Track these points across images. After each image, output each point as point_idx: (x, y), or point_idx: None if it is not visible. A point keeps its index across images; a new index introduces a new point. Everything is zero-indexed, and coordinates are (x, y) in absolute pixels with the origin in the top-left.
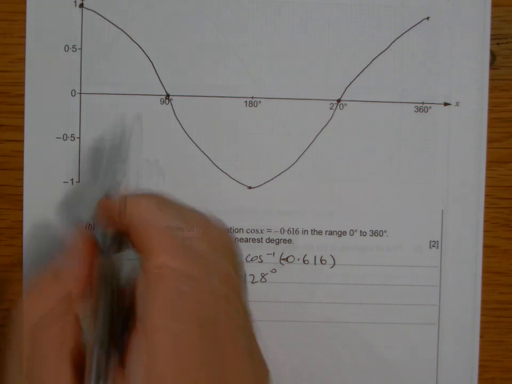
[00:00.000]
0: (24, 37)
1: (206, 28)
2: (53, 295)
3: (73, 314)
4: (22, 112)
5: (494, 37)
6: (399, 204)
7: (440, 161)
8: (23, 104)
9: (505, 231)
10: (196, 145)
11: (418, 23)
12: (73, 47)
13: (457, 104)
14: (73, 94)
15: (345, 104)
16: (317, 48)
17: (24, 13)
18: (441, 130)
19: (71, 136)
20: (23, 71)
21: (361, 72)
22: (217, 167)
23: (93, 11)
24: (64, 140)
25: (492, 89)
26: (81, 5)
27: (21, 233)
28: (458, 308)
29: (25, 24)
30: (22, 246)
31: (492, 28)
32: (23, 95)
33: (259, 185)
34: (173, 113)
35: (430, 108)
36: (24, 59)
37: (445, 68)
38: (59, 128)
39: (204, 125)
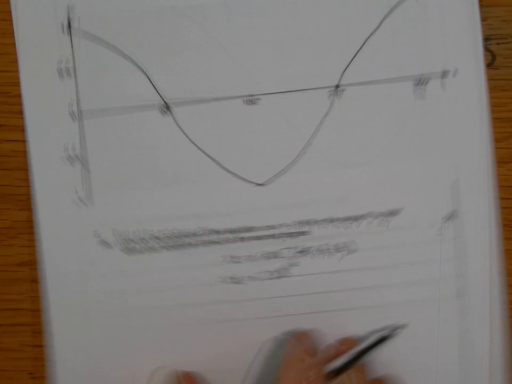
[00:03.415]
0: None
1: (195, 33)
2: None
3: None
4: (22, 112)
5: (494, 37)
6: (411, 180)
7: (445, 133)
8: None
9: (506, 231)
10: (201, 150)
11: None
12: (67, 69)
13: (455, 72)
14: (72, 116)
15: (344, 89)
16: (308, 37)
17: None
18: (443, 101)
19: (76, 157)
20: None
21: (355, 55)
22: (225, 169)
23: (82, 30)
24: (69, 160)
25: (492, 89)
26: (69, 26)
27: (21, 233)
28: (483, 276)
29: None
30: (21, 246)
31: (492, 28)
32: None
33: (269, 181)
34: (174, 122)
35: (429, 80)
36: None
37: (437, 38)
38: (62, 149)
39: (206, 129)
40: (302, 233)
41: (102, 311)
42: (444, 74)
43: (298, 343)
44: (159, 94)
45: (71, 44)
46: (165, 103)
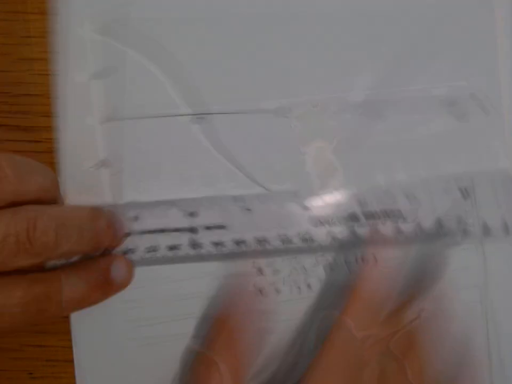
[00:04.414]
0: (26, 37)
1: (226, 43)
2: None
3: None
4: (22, 112)
5: None
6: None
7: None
8: (23, 104)
9: None
10: (230, 162)
11: (466, 34)
12: (100, 75)
13: (485, 96)
14: (103, 121)
15: (388, 116)
16: (363, 60)
17: (25, 12)
18: (483, 140)
19: (105, 164)
20: (24, 71)
21: (406, 85)
22: (253, 182)
23: (109, 38)
24: (98, 167)
25: None
26: (103, 33)
27: None
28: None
29: (26, 24)
30: None
31: None
32: (23, 95)
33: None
34: (205, 131)
35: (471, 117)
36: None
37: (490, 79)
38: (92, 156)
39: (236, 140)
40: (328, 246)
41: (123, 321)
42: (472, 96)
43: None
44: (190, 103)
45: (103, 51)
46: (195, 112)
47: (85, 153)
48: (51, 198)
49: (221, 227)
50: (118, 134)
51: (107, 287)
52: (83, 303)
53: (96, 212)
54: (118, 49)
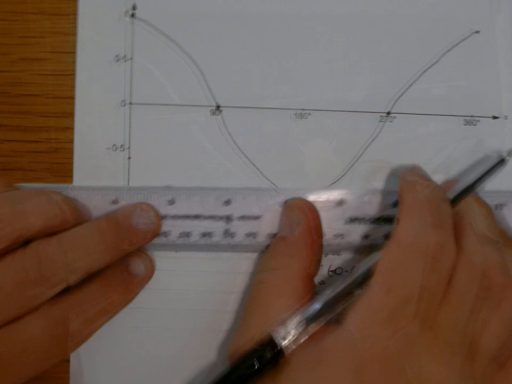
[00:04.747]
0: (26, 37)
1: (256, 42)
2: None
3: None
4: (22, 112)
5: None
6: None
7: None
8: (23, 104)
9: None
10: (246, 156)
11: (468, 36)
12: (124, 57)
13: (505, 117)
14: (122, 105)
15: (395, 117)
16: (367, 60)
17: (25, 12)
18: (490, 144)
19: (121, 147)
20: (24, 71)
21: (410, 85)
22: (267, 179)
23: (144, 21)
24: (113, 150)
25: None
26: (133, 15)
27: None
28: None
29: (26, 24)
30: None
31: None
32: (23, 95)
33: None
34: (223, 124)
35: (479, 121)
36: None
37: (493, 81)
38: (108, 138)
39: (253, 136)
40: (334, 252)
41: (123, 321)
42: (496, 117)
43: (411, 171)
44: (212, 95)
45: (133, 32)
46: (216, 104)
47: (100, 136)
48: (56, 215)
49: (255, 218)
50: (132, 120)
51: (127, 293)
52: (107, 314)
53: (100, 225)
54: (152, 33)
